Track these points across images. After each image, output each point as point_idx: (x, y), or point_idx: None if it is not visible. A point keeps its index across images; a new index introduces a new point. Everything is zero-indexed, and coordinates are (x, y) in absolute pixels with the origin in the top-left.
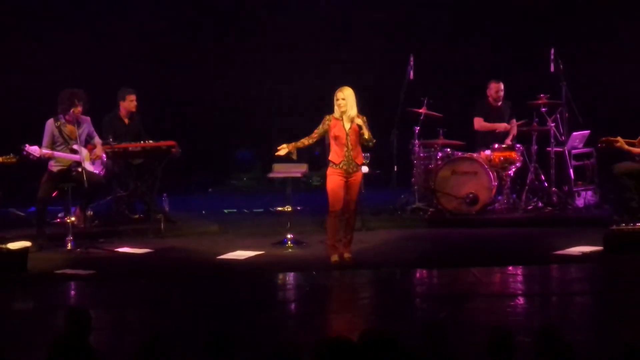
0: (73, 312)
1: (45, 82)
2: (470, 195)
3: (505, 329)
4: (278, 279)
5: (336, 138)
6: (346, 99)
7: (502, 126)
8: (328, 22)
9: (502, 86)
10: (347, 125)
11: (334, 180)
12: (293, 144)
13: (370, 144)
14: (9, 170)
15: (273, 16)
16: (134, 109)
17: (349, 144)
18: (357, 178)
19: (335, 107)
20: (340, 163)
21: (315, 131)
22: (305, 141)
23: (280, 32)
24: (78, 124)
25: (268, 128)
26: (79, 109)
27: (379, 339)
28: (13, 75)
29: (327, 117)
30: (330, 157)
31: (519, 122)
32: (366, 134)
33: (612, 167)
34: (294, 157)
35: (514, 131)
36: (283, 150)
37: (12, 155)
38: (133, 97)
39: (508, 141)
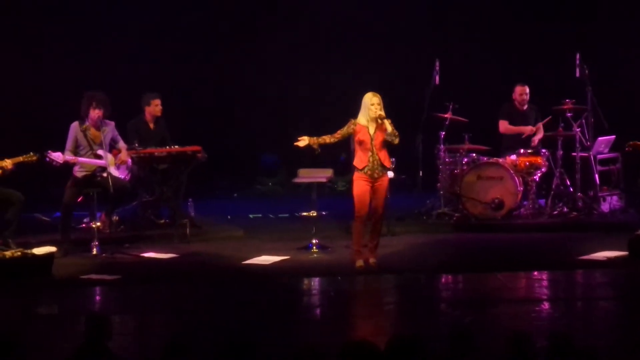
0: (92, 318)
1: (70, 87)
2: (496, 201)
3: (524, 333)
4: (303, 284)
5: (361, 143)
6: (380, 104)
7: (527, 129)
8: (354, 26)
9: (527, 89)
10: (372, 130)
11: (359, 185)
12: (315, 138)
13: (395, 139)
14: (32, 174)
15: (298, 20)
16: (159, 114)
17: (374, 148)
18: (383, 183)
19: (363, 112)
20: (364, 168)
21: (339, 132)
22: (327, 139)
23: (307, 36)
24: (102, 128)
25: (293, 133)
26: (97, 111)
27: (406, 344)
28: (38, 80)
29: (352, 121)
30: (354, 162)
31: (544, 121)
32: (389, 127)
33: None
34: (317, 151)
35: (541, 134)
36: (303, 141)
37: (32, 153)
38: (158, 101)
39: (535, 140)
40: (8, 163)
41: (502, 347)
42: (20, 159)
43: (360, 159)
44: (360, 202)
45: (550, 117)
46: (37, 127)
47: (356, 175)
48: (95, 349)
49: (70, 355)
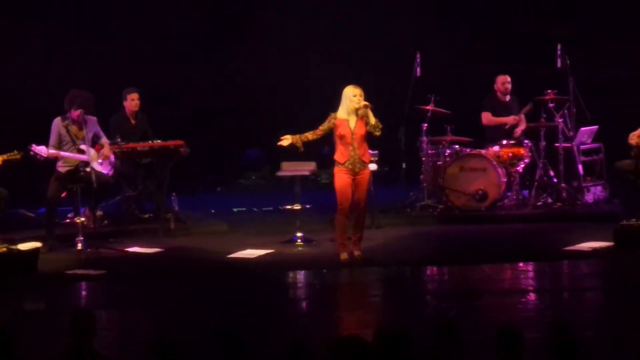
0: (77, 315)
1: (55, 81)
2: (480, 192)
3: (512, 327)
4: (288, 277)
5: (341, 137)
6: (362, 95)
7: (510, 119)
8: (333, 19)
9: (508, 78)
10: (353, 124)
11: (341, 178)
12: (297, 136)
13: (378, 131)
14: (16, 169)
15: (279, 15)
16: (135, 108)
17: (355, 143)
18: (364, 176)
19: (344, 105)
20: (345, 162)
21: (320, 127)
22: (310, 135)
23: (286, 31)
24: (84, 123)
25: (276, 127)
26: (77, 112)
27: (393, 337)
28: (20, 75)
29: (333, 114)
30: (335, 157)
31: (525, 109)
32: (372, 119)
33: (615, 164)
34: (301, 149)
35: (523, 125)
36: (286, 140)
37: (16, 152)
38: (134, 95)
39: (518, 131)
40: None
41: (491, 340)
42: (5, 157)
43: (341, 154)
44: (342, 195)
45: (531, 103)
46: (21, 122)
47: (337, 169)
48: (80, 346)
49: (57, 354)
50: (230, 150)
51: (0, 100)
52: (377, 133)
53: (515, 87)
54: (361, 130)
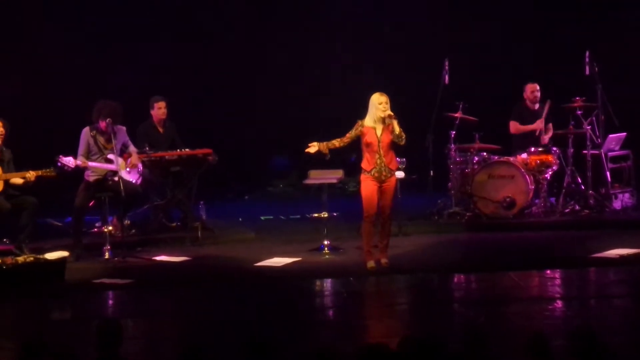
0: (104, 324)
1: (82, 91)
2: (508, 199)
3: (542, 335)
4: (315, 285)
5: (368, 145)
6: (388, 103)
7: (537, 125)
8: (361, 25)
9: (537, 87)
10: (379, 132)
11: (367, 185)
12: (325, 143)
13: (402, 140)
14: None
15: (305, 22)
16: (163, 117)
17: (381, 150)
18: (390, 184)
19: (371, 113)
20: (371, 170)
21: (348, 135)
22: (337, 143)
23: (314, 37)
24: (114, 134)
25: (304, 134)
26: (105, 122)
27: (418, 344)
28: (49, 84)
29: (360, 122)
30: (362, 164)
31: (545, 109)
32: (397, 128)
33: None
34: (327, 157)
35: (550, 132)
36: (313, 147)
37: (52, 169)
38: (162, 104)
39: (546, 138)
40: (32, 175)
41: (520, 348)
42: (40, 172)
43: (367, 161)
44: (368, 203)
45: (548, 101)
46: (50, 132)
47: (363, 177)
48: (106, 356)
49: None
50: (258, 158)
51: (26, 110)
52: (401, 143)
53: (544, 95)
54: (388, 138)
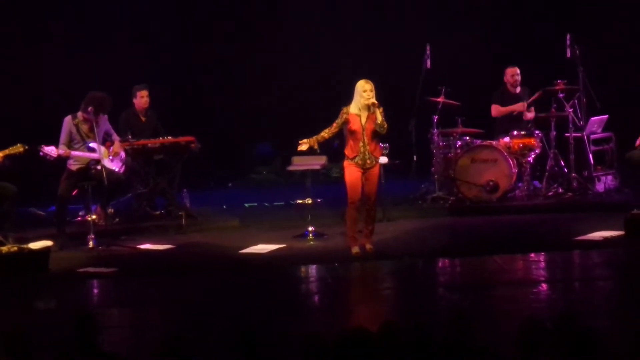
0: (78, 315)
1: (64, 81)
2: (491, 183)
3: (537, 320)
4: (300, 271)
5: (352, 132)
6: (373, 90)
7: (518, 106)
8: (344, 12)
9: (517, 70)
10: (364, 120)
11: (351, 172)
12: (314, 138)
13: (383, 130)
14: (27, 167)
15: (289, 7)
16: (145, 105)
17: (365, 138)
18: (374, 170)
19: (355, 100)
20: (354, 157)
21: (334, 123)
22: (325, 134)
23: (296, 24)
24: (96, 123)
25: (287, 121)
26: (89, 113)
27: (398, 329)
28: (31, 75)
29: (344, 109)
30: (345, 151)
31: (534, 96)
32: (379, 117)
33: (626, 155)
34: (317, 151)
35: (532, 113)
36: (304, 145)
37: (19, 144)
38: (144, 92)
39: (528, 115)
40: None
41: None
42: (6, 151)
43: (351, 148)
44: (353, 189)
45: (540, 92)
46: (32, 121)
47: (346, 163)
48: (82, 345)
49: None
50: (241, 145)
51: (9, 98)
52: (383, 132)
53: (525, 78)
54: (372, 126)
